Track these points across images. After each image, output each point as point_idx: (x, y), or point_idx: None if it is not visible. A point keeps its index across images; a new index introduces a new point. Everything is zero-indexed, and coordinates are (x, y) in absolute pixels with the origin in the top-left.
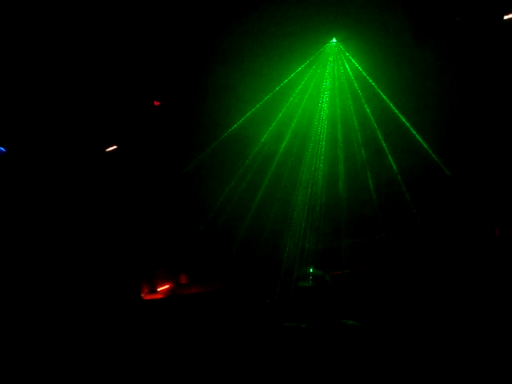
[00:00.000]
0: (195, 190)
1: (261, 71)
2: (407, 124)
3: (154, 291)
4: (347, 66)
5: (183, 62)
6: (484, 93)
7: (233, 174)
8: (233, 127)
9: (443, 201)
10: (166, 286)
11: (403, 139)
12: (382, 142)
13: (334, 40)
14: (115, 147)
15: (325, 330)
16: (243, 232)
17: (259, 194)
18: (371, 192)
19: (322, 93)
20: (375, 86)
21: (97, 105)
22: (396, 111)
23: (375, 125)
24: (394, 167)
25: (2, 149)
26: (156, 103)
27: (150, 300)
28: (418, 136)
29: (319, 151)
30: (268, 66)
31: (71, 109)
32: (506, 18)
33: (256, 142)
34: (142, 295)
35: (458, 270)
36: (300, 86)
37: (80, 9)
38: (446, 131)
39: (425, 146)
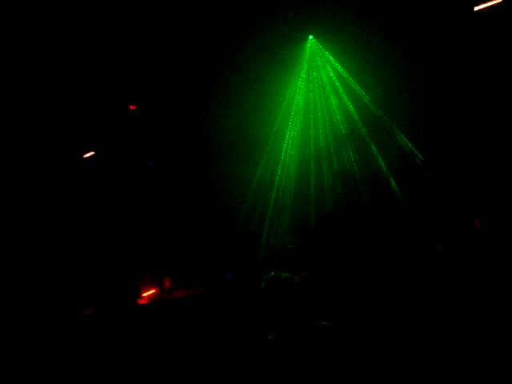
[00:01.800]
0: (175, 195)
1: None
2: (385, 118)
3: (139, 296)
4: (324, 62)
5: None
6: (456, 87)
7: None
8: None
9: (425, 195)
10: (151, 291)
11: (380, 134)
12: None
13: (311, 37)
14: (93, 153)
15: (298, 333)
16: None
17: (247, 198)
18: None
19: (299, 89)
20: (351, 81)
21: (73, 111)
22: (372, 107)
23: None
24: (382, 164)
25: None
26: (132, 107)
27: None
28: (397, 130)
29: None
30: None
31: (49, 115)
32: (476, 9)
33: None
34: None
35: (441, 261)
36: (279, 84)
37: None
38: (422, 126)
39: (403, 142)
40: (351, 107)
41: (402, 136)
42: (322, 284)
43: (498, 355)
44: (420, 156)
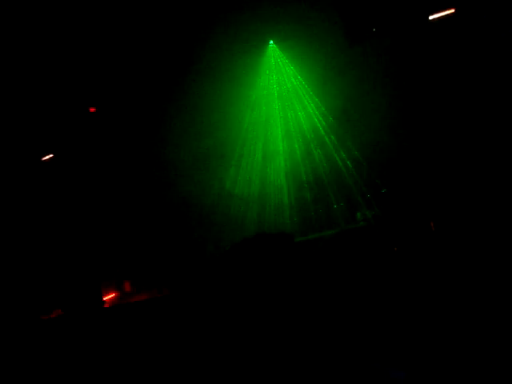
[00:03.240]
0: (134, 199)
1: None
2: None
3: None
4: (285, 67)
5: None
6: (416, 92)
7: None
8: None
9: (380, 196)
10: (111, 295)
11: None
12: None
13: (271, 42)
14: (51, 156)
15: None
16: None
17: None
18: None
19: (259, 97)
20: (305, 87)
21: (31, 112)
22: (326, 112)
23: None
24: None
25: None
26: (92, 110)
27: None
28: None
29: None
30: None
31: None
32: (431, 18)
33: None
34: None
35: (396, 262)
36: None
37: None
38: (379, 130)
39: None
40: (312, 114)
41: (349, 143)
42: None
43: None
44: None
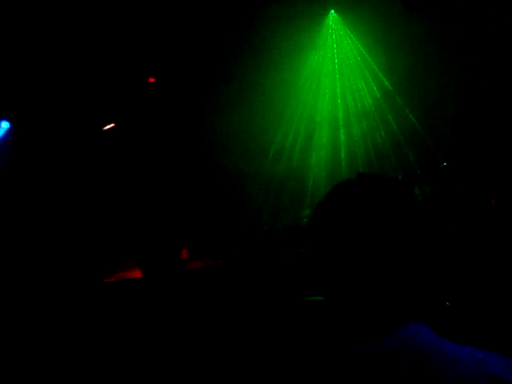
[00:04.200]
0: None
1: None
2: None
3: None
4: (346, 37)
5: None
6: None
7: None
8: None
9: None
10: None
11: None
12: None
13: (332, 11)
14: (113, 125)
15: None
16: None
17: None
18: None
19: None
20: (369, 59)
21: (91, 83)
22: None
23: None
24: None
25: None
26: (151, 80)
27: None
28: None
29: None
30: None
31: (66, 88)
32: None
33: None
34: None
35: (457, 239)
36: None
37: None
38: (441, 104)
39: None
40: (374, 87)
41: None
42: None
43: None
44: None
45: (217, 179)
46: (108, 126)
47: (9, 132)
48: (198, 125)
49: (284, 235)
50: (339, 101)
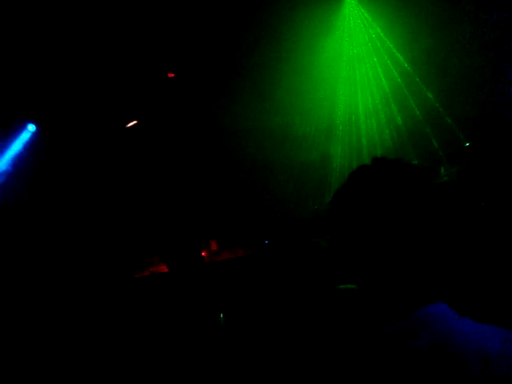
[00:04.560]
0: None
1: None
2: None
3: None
4: (363, 21)
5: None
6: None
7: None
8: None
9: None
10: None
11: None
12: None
13: None
14: (135, 122)
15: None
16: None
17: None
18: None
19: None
20: (391, 46)
21: (111, 80)
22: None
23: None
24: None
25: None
26: (170, 75)
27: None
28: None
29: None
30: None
31: (87, 86)
32: None
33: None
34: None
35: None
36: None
37: None
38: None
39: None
40: (394, 71)
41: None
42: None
43: None
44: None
45: (241, 171)
46: (131, 123)
47: (36, 134)
48: (220, 118)
49: (312, 222)
50: (359, 88)
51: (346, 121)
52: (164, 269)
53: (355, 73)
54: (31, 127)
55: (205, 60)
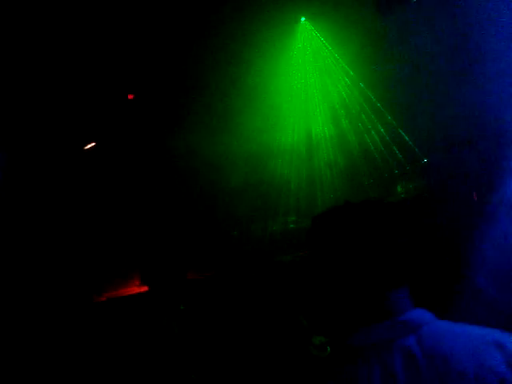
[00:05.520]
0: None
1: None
2: (373, 99)
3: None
4: (316, 43)
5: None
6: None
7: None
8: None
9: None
10: None
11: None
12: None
13: (303, 19)
14: (93, 144)
15: None
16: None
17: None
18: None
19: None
20: (342, 63)
21: (71, 102)
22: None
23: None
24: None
25: None
26: (130, 97)
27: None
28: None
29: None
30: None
31: (47, 107)
32: None
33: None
34: (134, 286)
35: None
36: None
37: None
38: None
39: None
40: (348, 93)
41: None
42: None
43: None
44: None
45: (193, 194)
46: (89, 145)
47: None
48: (170, 140)
49: (274, 240)
50: (311, 107)
51: (297, 142)
52: (121, 293)
53: (307, 92)
54: None
55: (157, 82)
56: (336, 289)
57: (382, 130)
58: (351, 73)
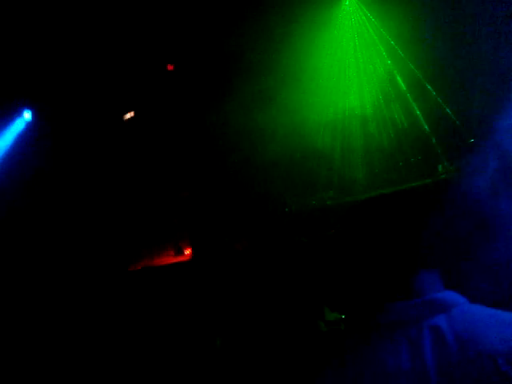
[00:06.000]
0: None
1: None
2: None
3: (182, 253)
4: (360, 16)
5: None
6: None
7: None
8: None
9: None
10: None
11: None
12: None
13: None
14: (133, 114)
15: None
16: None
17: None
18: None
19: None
20: (389, 38)
21: (110, 71)
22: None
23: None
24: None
25: None
26: (170, 67)
27: (179, 262)
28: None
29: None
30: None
31: (86, 77)
32: None
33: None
34: (168, 258)
35: None
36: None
37: None
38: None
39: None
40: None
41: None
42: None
43: None
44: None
45: (235, 168)
46: (129, 115)
47: (31, 123)
48: (213, 114)
49: (311, 216)
50: (356, 87)
51: (339, 118)
52: (158, 262)
53: (354, 70)
54: (27, 115)
55: (200, 54)
56: (367, 266)
57: (427, 108)
58: (398, 49)
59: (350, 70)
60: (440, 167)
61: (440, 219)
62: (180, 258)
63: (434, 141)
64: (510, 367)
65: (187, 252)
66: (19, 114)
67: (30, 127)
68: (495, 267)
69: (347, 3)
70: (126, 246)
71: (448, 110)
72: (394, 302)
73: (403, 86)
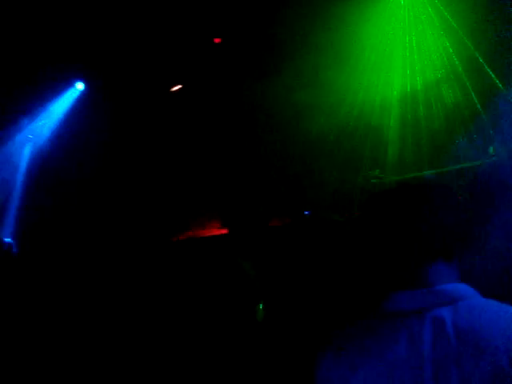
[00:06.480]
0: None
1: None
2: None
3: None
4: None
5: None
6: None
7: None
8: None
9: None
10: None
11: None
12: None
13: None
14: (180, 86)
15: None
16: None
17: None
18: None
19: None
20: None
21: (156, 44)
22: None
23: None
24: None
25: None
26: (216, 40)
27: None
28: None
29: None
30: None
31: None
32: None
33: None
34: (215, 230)
35: None
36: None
37: None
38: None
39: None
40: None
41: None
42: None
43: None
44: None
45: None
46: (176, 88)
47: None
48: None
49: (356, 195)
50: (409, 68)
51: (388, 97)
52: (203, 233)
53: (407, 50)
54: (80, 85)
55: (245, 29)
56: (378, 253)
57: (481, 89)
58: (458, 30)
59: (402, 49)
60: (491, 149)
61: (487, 205)
62: (225, 230)
63: (486, 121)
64: (510, 365)
65: None
66: (71, 84)
67: (82, 97)
68: None
69: None
70: (173, 216)
71: (504, 91)
72: (400, 291)
73: (459, 66)
